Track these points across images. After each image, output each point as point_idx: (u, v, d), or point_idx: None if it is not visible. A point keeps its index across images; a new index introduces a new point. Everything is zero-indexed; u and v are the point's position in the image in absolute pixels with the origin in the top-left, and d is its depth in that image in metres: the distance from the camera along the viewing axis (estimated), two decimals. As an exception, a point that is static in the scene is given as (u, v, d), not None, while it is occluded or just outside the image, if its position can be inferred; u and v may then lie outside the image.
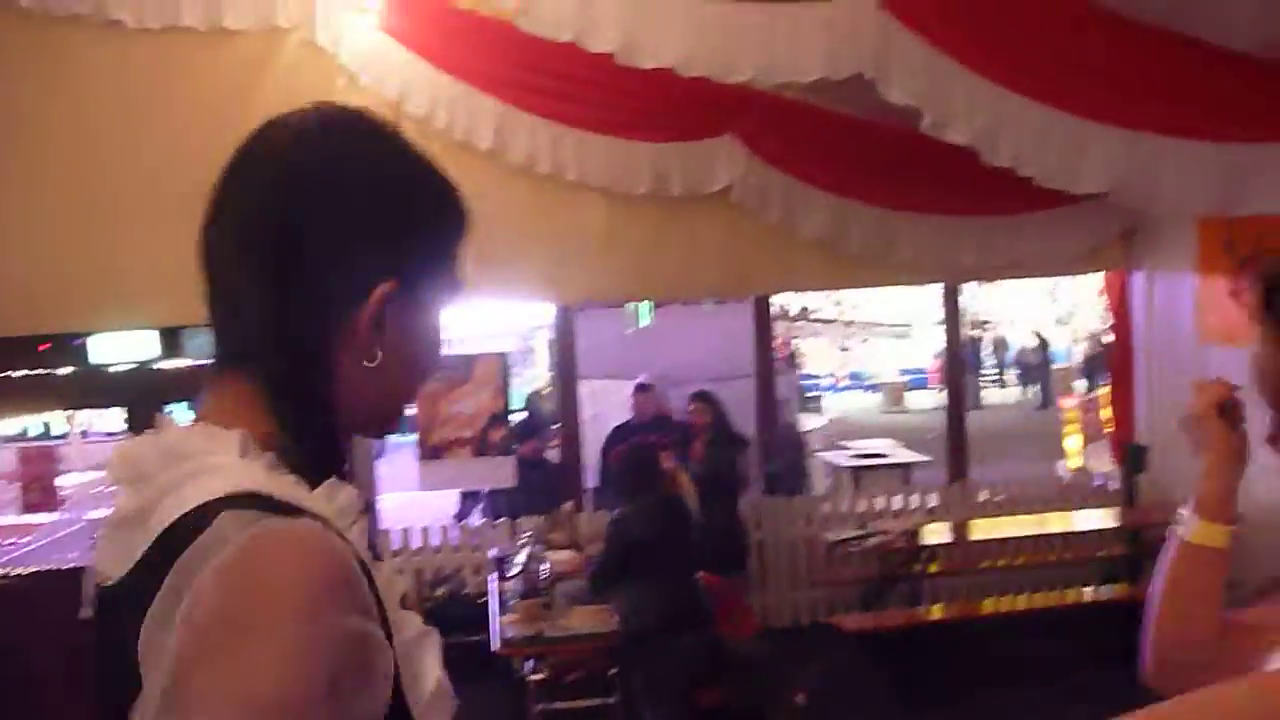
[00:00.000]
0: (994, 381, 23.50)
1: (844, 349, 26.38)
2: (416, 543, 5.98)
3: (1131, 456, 6.41)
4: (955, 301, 7.03)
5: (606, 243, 5.32)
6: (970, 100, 3.52)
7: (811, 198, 5.17)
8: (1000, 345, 23.83)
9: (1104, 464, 7.18)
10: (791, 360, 18.85)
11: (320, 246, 0.84)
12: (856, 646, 5.13)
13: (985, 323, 24.12)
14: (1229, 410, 1.19)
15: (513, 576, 4.56)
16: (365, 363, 0.85)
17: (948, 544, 5.96)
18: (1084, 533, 6.11)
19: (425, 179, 0.92)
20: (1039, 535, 6.09)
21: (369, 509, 5.28)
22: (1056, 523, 6.14)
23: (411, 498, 7.43)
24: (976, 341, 21.84)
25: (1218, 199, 3.89)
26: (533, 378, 14.33)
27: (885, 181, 5.15)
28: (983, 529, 5.93)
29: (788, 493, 6.64)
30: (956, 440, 6.85)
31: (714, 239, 5.36)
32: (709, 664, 3.92)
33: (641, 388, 6.48)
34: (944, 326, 7.21)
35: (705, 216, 5.34)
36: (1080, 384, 18.37)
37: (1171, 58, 3.73)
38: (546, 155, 4.99)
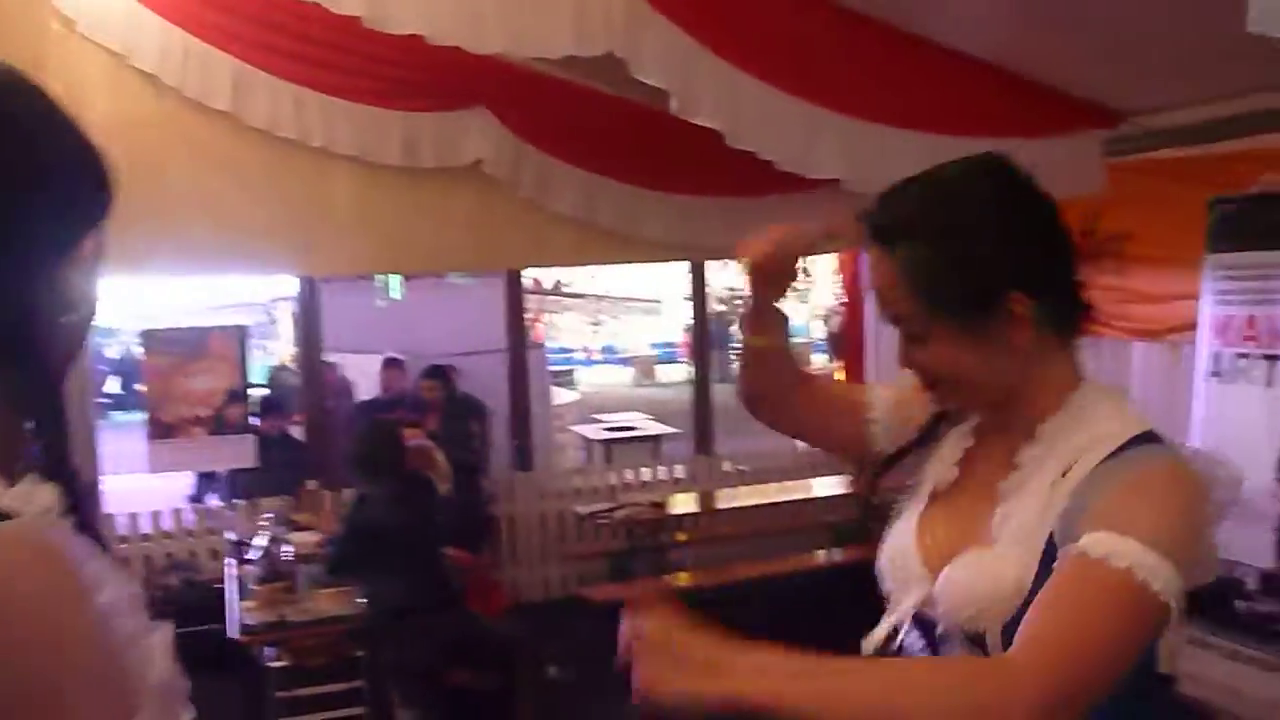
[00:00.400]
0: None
1: (596, 324, 26.71)
2: (147, 528, 5.63)
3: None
4: (701, 278, 7.25)
5: (354, 214, 5.13)
6: (715, 84, 3.61)
7: (563, 173, 5.18)
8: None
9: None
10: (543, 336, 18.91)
11: None
12: (606, 618, 5.22)
13: (734, 299, 24.99)
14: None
15: (253, 560, 4.36)
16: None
17: (694, 514, 6.17)
18: (820, 499, 6.47)
19: (58, 139, 0.83)
20: (779, 503, 6.41)
21: (90, 493, 4.93)
22: (795, 491, 6.47)
23: (144, 481, 6.98)
24: (724, 317, 22.63)
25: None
26: (276, 352, 13.74)
27: (636, 160, 5.23)
28: (727, 498, 6.16)
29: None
30: (703, 413, 7.09)
31: (465, 212, 5.28)
32: (458, 643, 3.89)
33: (390, 363, 6.34)
34: (692, 302, 7.43)
35: (457, 189, 5.25)
36: (818, 359, 19.39)
37: (902, 54, 3.97)
38: (290, 119, 4.75)
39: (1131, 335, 4.60)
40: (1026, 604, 1.12)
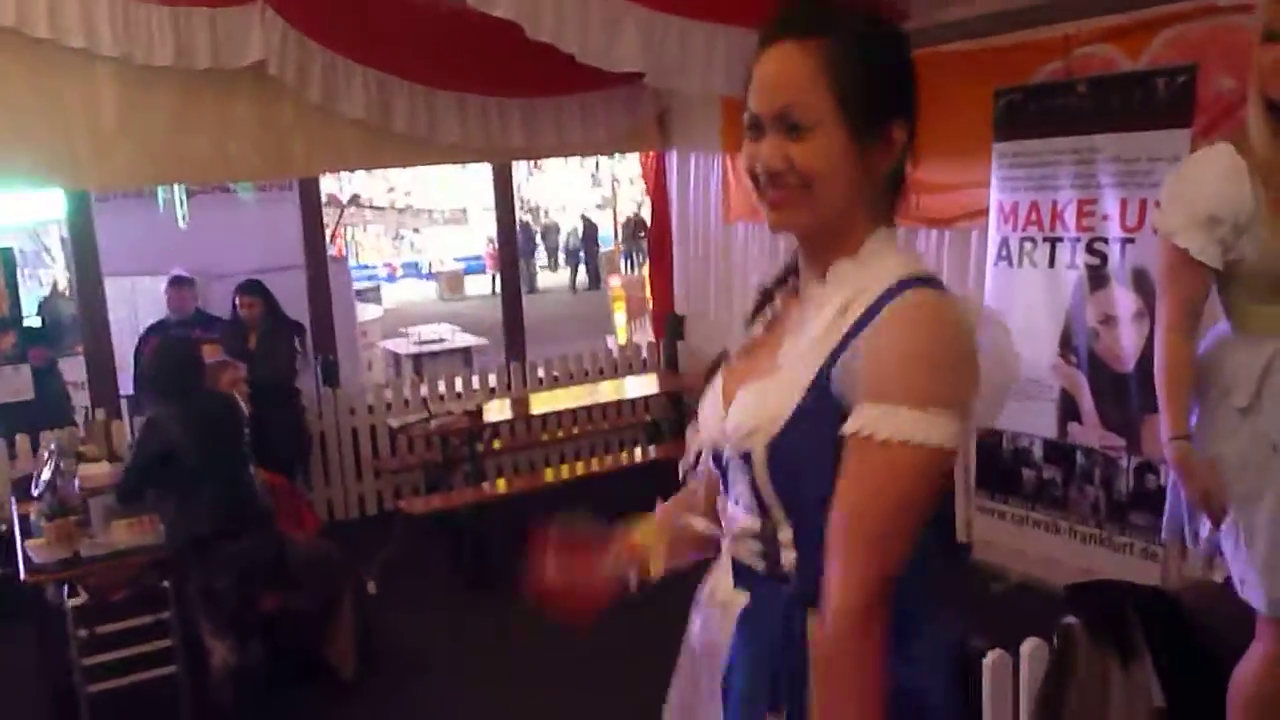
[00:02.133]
0: (547, 266, 24.32)
1: (398, 237, 26.02)
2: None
3: (671, 327, 6.92)
4: (507, 186, 7.10)
5: (123, 121, 4.75)
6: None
7: (352, 74, 4.93)
8: (551, 230, 24.65)
9: (648, 335, 7.68)
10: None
11: None
12: (424, 529, 5.17)
13: (536, 208, 24.78)
14: None
15: (38, 497, 4.07)
16: None
17: (509, 421, 6.13)
18: (633, 400, 6.54)
19: None
20: (593, 405, 6.44)
21: None
22: (609, 392, 6.51)
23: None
24: (529, 227, 22.42)
25: (735, 82, 4.19)
26: (49, 281, 12.81)
27: (429, 59, 5.03)
28: (541, 403, 6.14)
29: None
30: (513, 322, 7.01)
31: (249, 118, 4.97)
32: (269, 567, 3.74)
33: (177, 281, 5.96)
34: (496, 212, 7.28)
35: (237, 93, 4.93)
36: (625, 262, 19.49)
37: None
38: (43, 17, 4.33)
39: (925, 224, 4.77)
40: (791, 424, 1.24)
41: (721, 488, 1.42)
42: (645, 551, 1.56)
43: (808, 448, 1.24)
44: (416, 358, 9.79)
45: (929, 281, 1.25)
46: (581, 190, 24.85)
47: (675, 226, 6.90)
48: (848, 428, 1.18)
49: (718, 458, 1.41)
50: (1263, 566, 2.22)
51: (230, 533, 3.66)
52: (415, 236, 26.52)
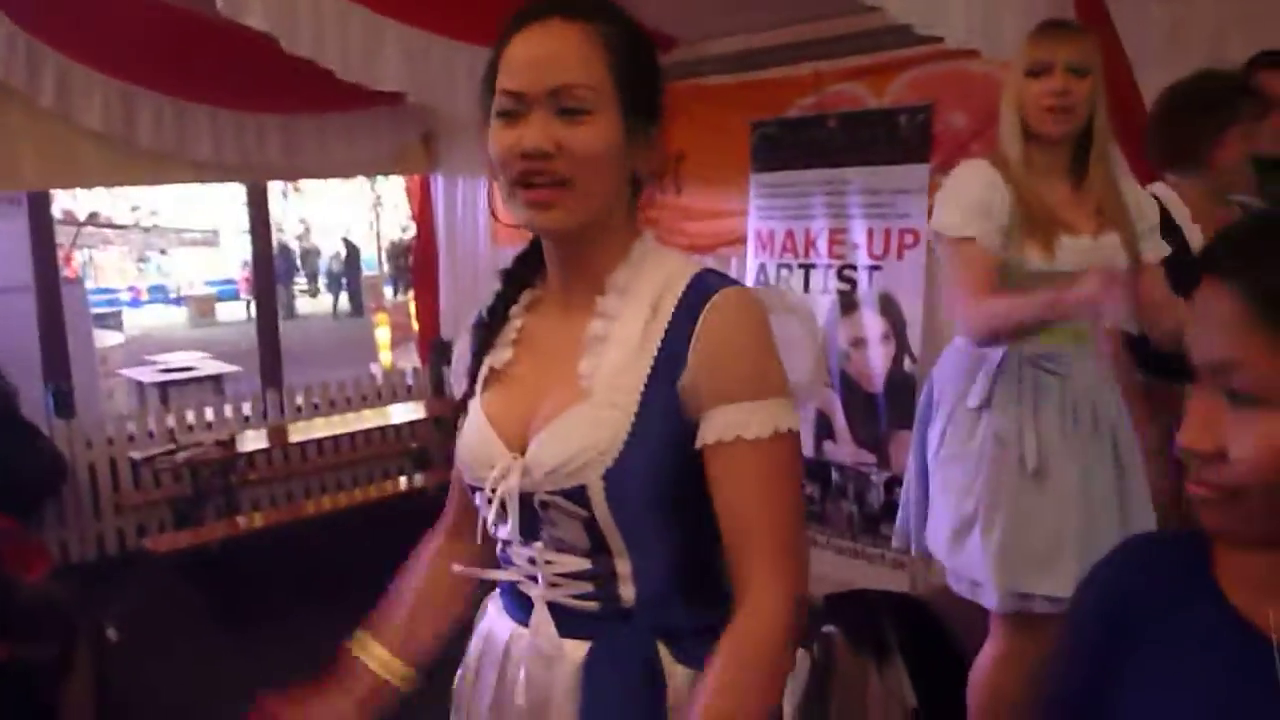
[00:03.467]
0: (307, 291, 23.49)
1: (143, 260, 24.51)
2: None
3: (437, 352, 6.81)
4: (263, 207, 6.80)
5: None
6: (267, -18, 3.34)
7: (91, 81, 4.60)
8: (311, 254, 23.84)
9: (413, 361, 7.52)
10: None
11: None
12: (173, 568, 4.84)
13: (297, 232, 23.92)
14: None
15: None
16: None
17: (265, 450, 5.84)
18: (398, 426, 6.37)
19: None
20: (356, 433, 6.23)
21: None
22: (372, 419, 6.32)
23: None
24: (288, 250, 21.60)
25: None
26: None
27: (178, 70, 4.75)
28: (300, 431, 5.90)
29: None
30: (269, 348, 6.71)
31: (-31, 124, 4.56)
32: (-10, 612, 3.40)
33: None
34: (251, 234, 6.96)
35: (-43, 97, 4.51)
36: (389, 288, 19.06)
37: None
38: None
39: (687, 250, 4.89)
40: (628, 449, 1.18)
41: (508, 533, 1.28)
42: (383, 670, 1.41)
43: (646, 470, 1.19)
44: (162, 386, 9.20)
45: (723, 277, 1.25)
46: (344, 212, 24.16)
47: (442, 250, 6.80)
48: (707, 437, 1.17)
49: (473, 489, 1.32)
50: (995, 564, 2.37)
51: (-59, 580, 3.30)
52: (162, 258, 25.03)
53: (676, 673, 1.23)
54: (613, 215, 1.25)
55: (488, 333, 1.34)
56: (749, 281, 4.59)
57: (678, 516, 1.22)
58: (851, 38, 4.15)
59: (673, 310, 1.21)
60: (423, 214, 6.91)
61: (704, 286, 1.21)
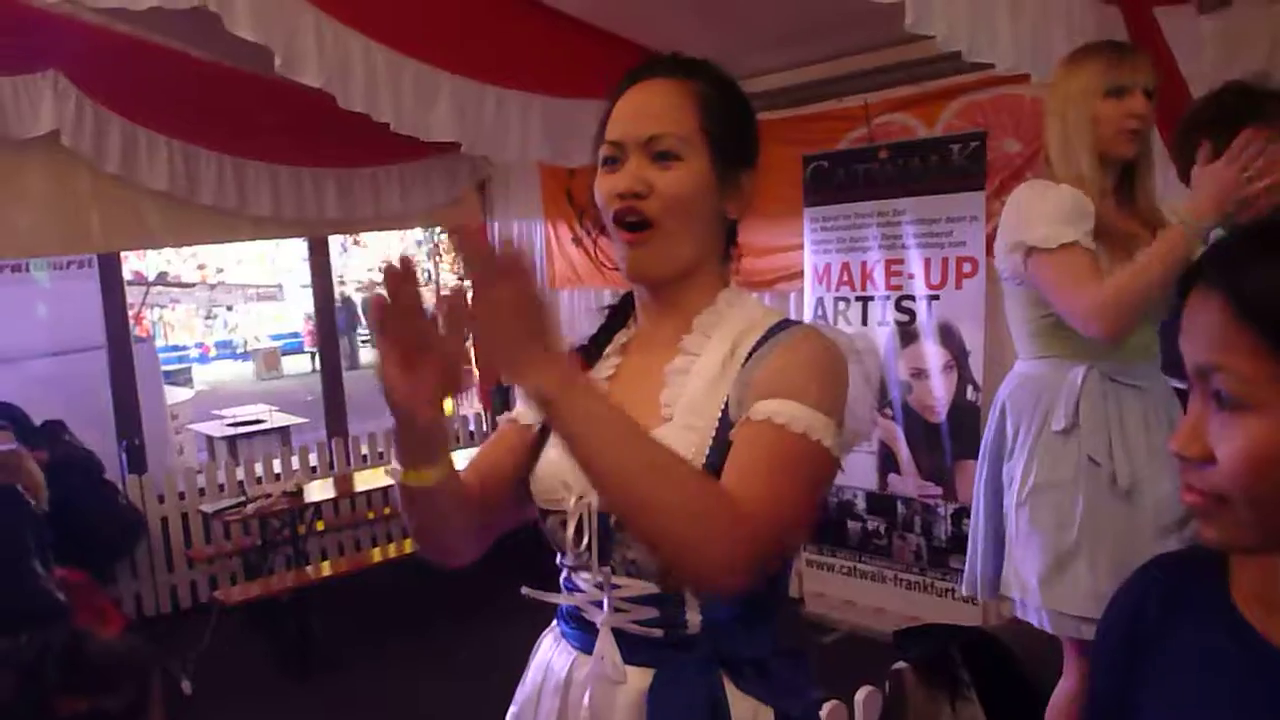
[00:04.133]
0: (370, 341, 23.80)
1: (210, 316, 25.04)
2: None
3: (498, 397, 6.85)
4: (323, 258, 6.92)
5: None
6: (320, 39, 3.41)
7: (154, 144, 4.73)
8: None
9: (475, 407, 7.57)
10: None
11: None
12: (243, 619, 4.89)
13: (359, 282, 24.30)
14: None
15: None
16: None
17: (332, 500, 5.91)
18: (461, 472, 6.40)
19: None
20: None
21: None
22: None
23: None
24: (350, 301, 21.95)
25: (551, 150, 4.25)
26: None
27: (236, 129, 4.87)
28: (366, 481, 5.95)
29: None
30: (334, 398, 6.80)
31: (41, 190, 4.69)
32: (62, 666, 3.45)
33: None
34: (313, 287, 7.08)
35: (28, 164, 4.65)
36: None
37: (509, 15, 3.95)
38: None
39: (747, 286, 4.87)
40: (703, 468, 1.19)
41: (578, 556, 1.30)
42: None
43: None
44: (231, 440, 9.36)
45: (799, 322, 1.30)
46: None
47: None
48: (752, 415, 1.18)
49: (544, 514, 1.35)
50: (1106, 592, 2.28)
51: (7, 629, 3.37)
52: (229, 314, 25.57)
53: (739, 701, 1.24)
54: (702, 260, 1.31)
55: (586, 359, 1.39)
56: (807, 315, 4.57)
57: None
58: (899, 68, 4.15)
59: (750, 348, 1.25)
60: (478, 260, 6.98)
61: (781, 328, 1.27)
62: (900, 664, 2.52)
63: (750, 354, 1.25)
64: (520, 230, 6.52)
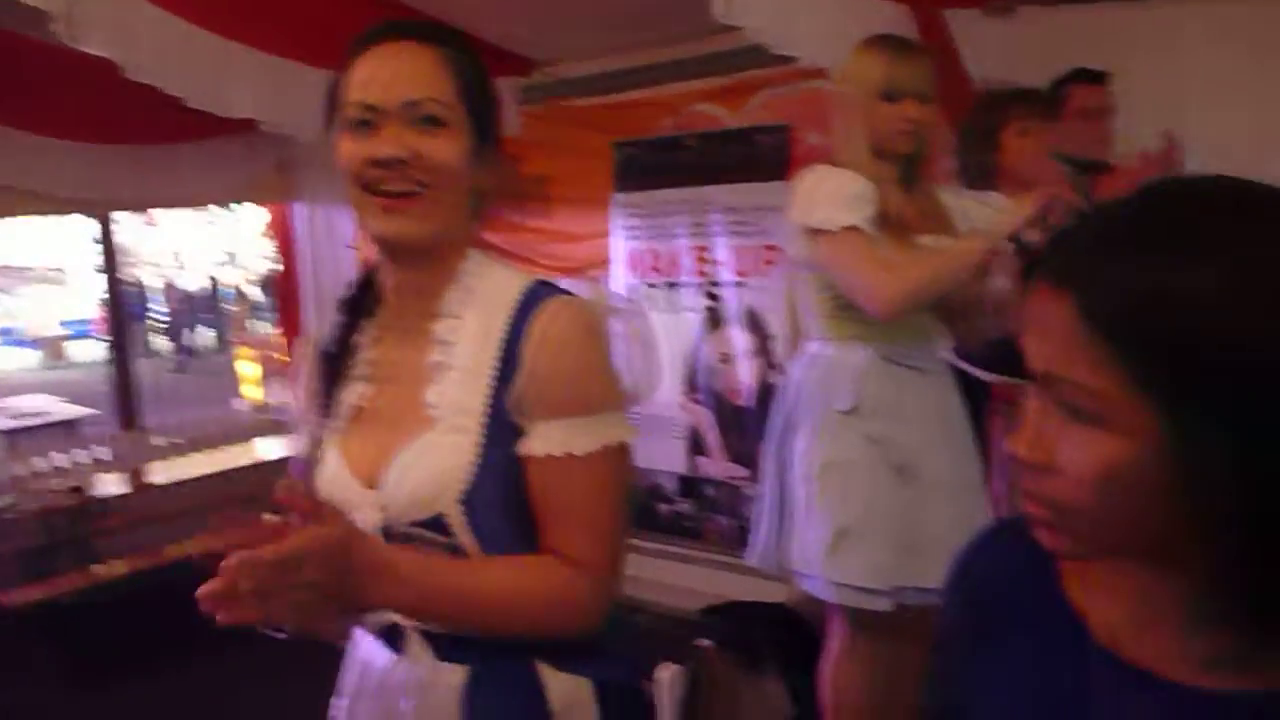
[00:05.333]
0: (166, 327, 22.64)
1: (-12, 300, 23.34)
2: None
3: (302, 385, 6.63)
4: (112, 242, 6.53)
5: None
6: (105, 5, 3.20)
7: (-82, 113, 4.36)
8: (171, 289, 23.01)
9: (284, 395, 7.32)
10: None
11: None
12: (26, 623, 4.58)
13: (153, 265, 23.08)
14: None
15: None
16: None
17: (123, 495, 5.60)
18: (266, 463, 6.18)
19: None
20: (223, 471, 6.01)
21: None
22: (237, 457, 6.11)
23: None
24: (143, 286, 20.82)
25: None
26: None
27: (16, 99, 4.54)
28: (162, 473, 5.66)
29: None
30: (125, 388, 6.43)
31: None
32: None
33: None
34: (103, 271, 6.67)
35: None
36: (256, 321, 18.57)
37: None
38: None
39: (556, 273, 4.88)
40: (480, 472, 1.19)
41: None
42: None
43: (501, 491, 1.21)
44: (11, 433, 8.74)
45: (552, 288, 1.27)
46: (203, 245, 23.42)
47: (308, 281, 6.63)
48: (535, 448, 1.19)
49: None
50: (877, 566, 2.40)
51: None
52: (9, 299, 23.86)
53: (556, 682, 1.25)
54: (456, 230, 1.28)
55: (336, 364, 1.34)
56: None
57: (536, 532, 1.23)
58: (709, 59, 4.22)
59: (504, 326, 1.23)
60: (284, 244, 6.73)
61: (533, 299, 1.24)
62: (703, 641, 2.59)
63: (509, 336, 1.22)
64: (327, 214, 6.31)
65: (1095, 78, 3.06)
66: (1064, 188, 2.35)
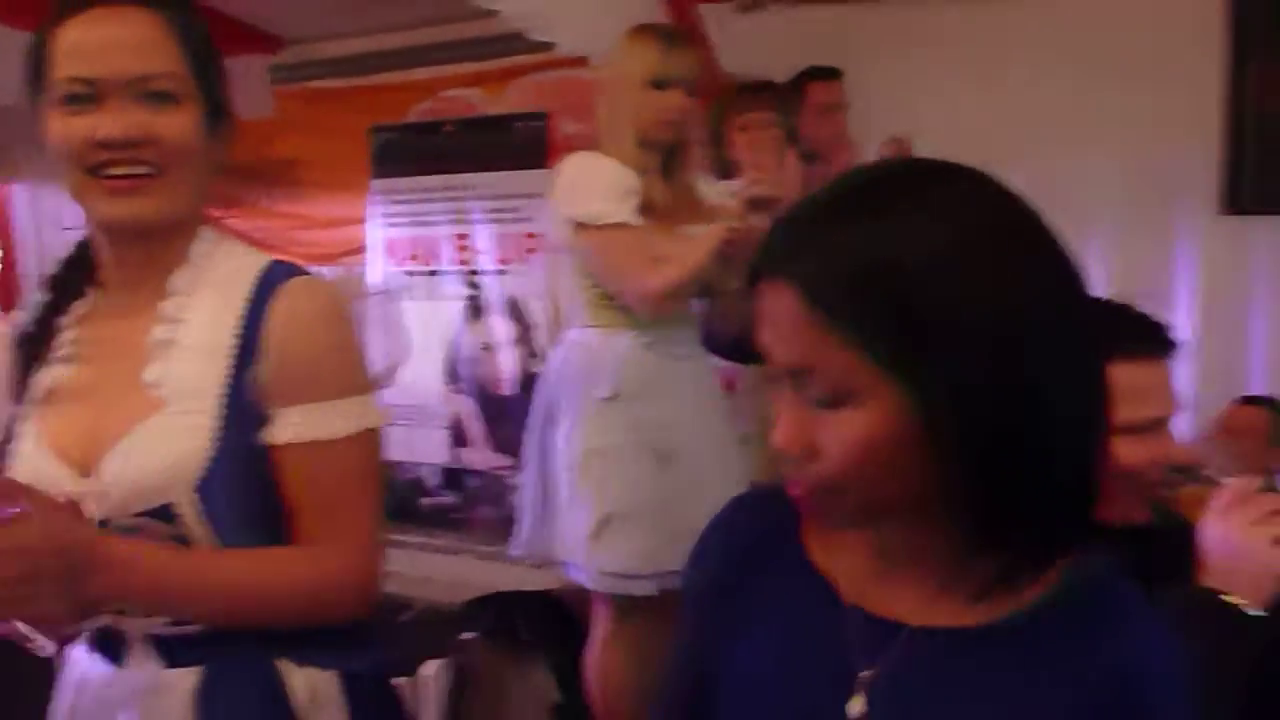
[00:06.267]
0: None
1: None
2: None
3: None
4: None
5: None
6: None
7: None
8: None
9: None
10: None
11: None
12: None
13: None
14: None
15: None
16: None
17: None
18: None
19: None
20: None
21: None
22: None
23: None
24: None
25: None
26: None
27: None
28: None
29: None
30: None
31: None
32: None
33: None
34: None
35: None
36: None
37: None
38: None
39: (308, 260, 4.69)
40: (218, 458, 1.11)
41: None
42: None
43: (240, 478, 1.12)
44: None
45: (292, 267, 1.20)
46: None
47: (30, 266, 6.10)
48: (283, 435, 1.12)
49: None
50: (641, 551, 2.43)
51: None
52: None
53: (299, 678, 1.19)
54: (194, 215, 1.21)
55: (34, 347, 1.22)
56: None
57: (281, 522, 1.17)
58: (466, 44, 4.15)
59: (243, 306, 1.15)
60: (3, 228, 6.18)
61: (273, 278, 1.17)
62: (468, 634, 2.55)
63: (249, 316, 1.15)
64: (52, 195, 5.83)
65: (830, 74, 3.22)
66: (783, 175, 2.42)
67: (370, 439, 1.17)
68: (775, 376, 0.81)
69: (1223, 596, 1.24)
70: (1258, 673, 1.18)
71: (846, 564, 0.92)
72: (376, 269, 4.49)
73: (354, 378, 1.17)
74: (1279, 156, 3.14)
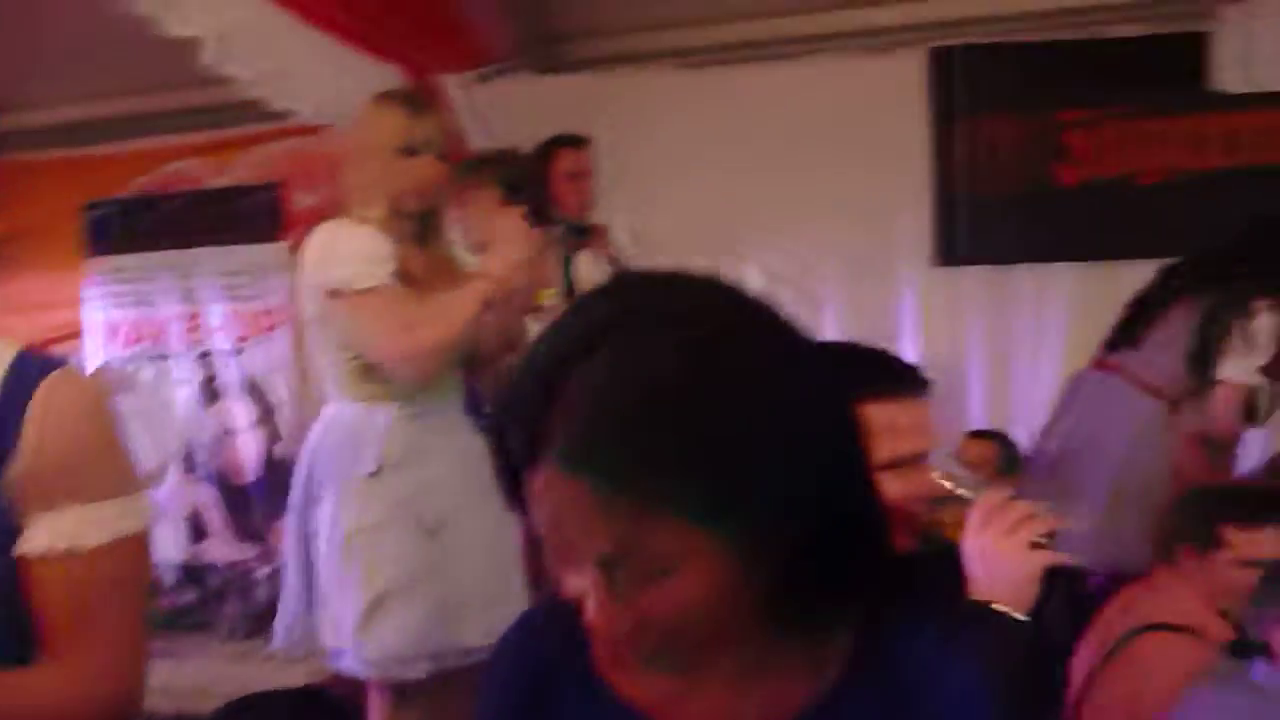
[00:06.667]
0: None
1: None
2: None
3: None
4: None
5: None
6: None
7: None
8: None
9: None
10: None
11: None
12: None
13: None
14: None
15: None
16: None
17: None
18: None
19: None
20: None
21: None
22: None
23: None
24: None
25: None
26: None
27: None
28: None
29: None
30: None
31: None
32: None
33: None
34: None
35: None
36: None
37: None
38: None
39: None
40: None
41: None
42: None
43: None
44: None
45: (46, 359, 1.09)
46: None
47: None
48: (34, 546, 1.01)
49: None
50: (416, 631, 2.32)
51: None
52: None
53: None
54: None
55: None
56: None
57: (30, 637, 1.05)
58: (192, 112, 3.97)
59: None
60: None
61: (27, 369, 1.05)
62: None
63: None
64: None
65: (577, 142, 3.28)
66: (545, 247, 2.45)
67: (134, 545, 1.08)
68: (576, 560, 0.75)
69: (993, 606, 1.31)
70: (1033, 672, 1.25)
71: (641, 680, 0.88)
72: (94, 355, 4.16)
73: (116, 478, 1.07)
74: (988, 210, 3.46)
